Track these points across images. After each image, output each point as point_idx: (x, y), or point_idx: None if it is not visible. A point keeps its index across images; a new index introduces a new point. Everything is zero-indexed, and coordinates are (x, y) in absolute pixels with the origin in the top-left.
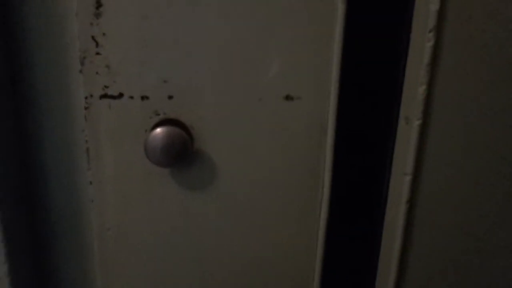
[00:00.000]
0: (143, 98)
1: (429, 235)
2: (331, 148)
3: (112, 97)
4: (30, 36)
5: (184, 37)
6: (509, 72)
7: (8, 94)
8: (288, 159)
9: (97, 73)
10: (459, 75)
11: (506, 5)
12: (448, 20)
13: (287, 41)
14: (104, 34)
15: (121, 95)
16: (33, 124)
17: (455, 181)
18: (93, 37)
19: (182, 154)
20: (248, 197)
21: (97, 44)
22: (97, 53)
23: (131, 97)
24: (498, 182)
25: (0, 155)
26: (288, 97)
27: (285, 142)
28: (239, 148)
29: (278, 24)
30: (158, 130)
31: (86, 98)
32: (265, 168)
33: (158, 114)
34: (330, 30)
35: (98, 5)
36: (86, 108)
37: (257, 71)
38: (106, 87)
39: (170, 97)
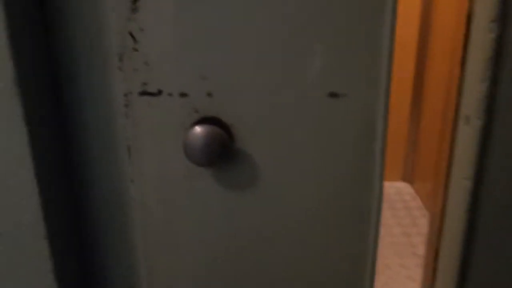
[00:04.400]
0: (182, 95)
1: (491, 243)
2: (380, 148)
3: (151, 94)
4: (68, 35)
5: (223, 32)
6: None
7: (51, 93)
8: (334, 159)
9: (135, 69)
10: None
11: None
12: None
13: (332, 33)
14: (141, 29)
15: (160, 92)
16: (74, 124)
17: None
18: (130, 33)
19: (221, 154)
20: (291, 198)
21: (134, 40)
22: (135, 49)
23: (170, 94)
24: None
25: (43, 156)
26: (332, 94)
27: (330, 142)
28: (281, 148)
29: (322, 15)
30: (197, 129)
31: (125, 95)
32: (309, 168)
33: (197, 112)
34: (379, 21)
35: None
36: (126, 106)
37: (299, 66)
38: (145, 84)
39: (209, 94)
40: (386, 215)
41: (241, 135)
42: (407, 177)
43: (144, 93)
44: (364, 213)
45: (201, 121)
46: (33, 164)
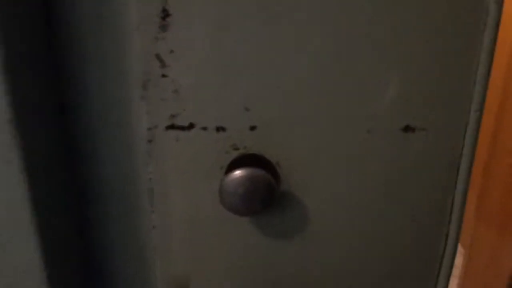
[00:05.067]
0: (219, 129)
1: None
2: (461, 198)
3: (181, 128)
4: (83, 55)
5: (272, 54)
6: None
7: (58, 124)
8: (404, 207)
9: (163, 99)
10: None
11: None
12: None
13: (410, 55)
14: (171, 51)
15: (191, 125)
16: (89, 160)
17: None
18: (157, 56)
19: (265, 201)
20: (349, 250)
21: (163, 64)
22: (163, 75)
23: (204, 128)
24: None
25: (46, 206)
26: (407, 128)
27: (401, 184)
28: (338, 192)
29: (399, 34)
30: (237, 173)
31: (149, 129)
32: (371, 215)
33: (237, 149)
34: (472, 44)
35: (165, 14)
36: (149, 141)
37: (367, 94)
38: (173, 116)
39: (253, 128)
40: None
41: (289, 175)
42: None
43: (172, 126)
44: (434, 262)
45: (241, 159)
46: (32, 212)
